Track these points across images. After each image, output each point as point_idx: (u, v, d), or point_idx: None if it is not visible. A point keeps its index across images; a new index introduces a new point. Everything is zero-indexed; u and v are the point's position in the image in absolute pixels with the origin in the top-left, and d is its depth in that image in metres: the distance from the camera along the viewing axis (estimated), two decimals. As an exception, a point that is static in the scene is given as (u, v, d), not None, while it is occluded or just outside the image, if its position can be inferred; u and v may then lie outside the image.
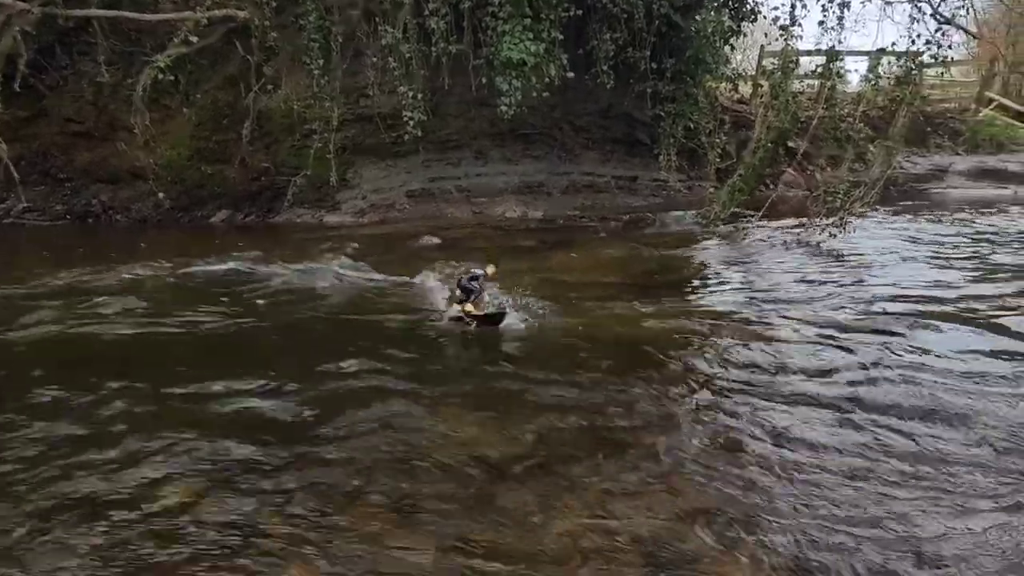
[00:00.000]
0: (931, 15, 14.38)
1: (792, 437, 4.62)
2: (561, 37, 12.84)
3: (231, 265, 9.92)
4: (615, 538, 3.57)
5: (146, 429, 4.73)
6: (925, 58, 13.17)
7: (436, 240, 12.33)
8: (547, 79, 12.82)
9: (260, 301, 8.24)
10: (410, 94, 13.26)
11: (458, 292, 6.91)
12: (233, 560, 3.40)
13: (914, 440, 4.57)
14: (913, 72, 13.04)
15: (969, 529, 3.60)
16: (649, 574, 3.31)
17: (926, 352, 6.05)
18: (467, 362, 6.22)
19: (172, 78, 13.39)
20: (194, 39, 13.22)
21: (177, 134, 14.07)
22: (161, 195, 14.13)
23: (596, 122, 15.41)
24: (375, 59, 13.54)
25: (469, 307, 6.61)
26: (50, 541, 3.52)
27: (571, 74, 13.14)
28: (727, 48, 16.28)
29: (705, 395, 5.34)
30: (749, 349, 6.27)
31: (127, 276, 9.29)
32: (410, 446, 4.53)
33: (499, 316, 6.68)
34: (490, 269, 6.94)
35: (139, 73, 13.30)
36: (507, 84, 12.69)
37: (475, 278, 6.72)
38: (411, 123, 13.31)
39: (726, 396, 5.33)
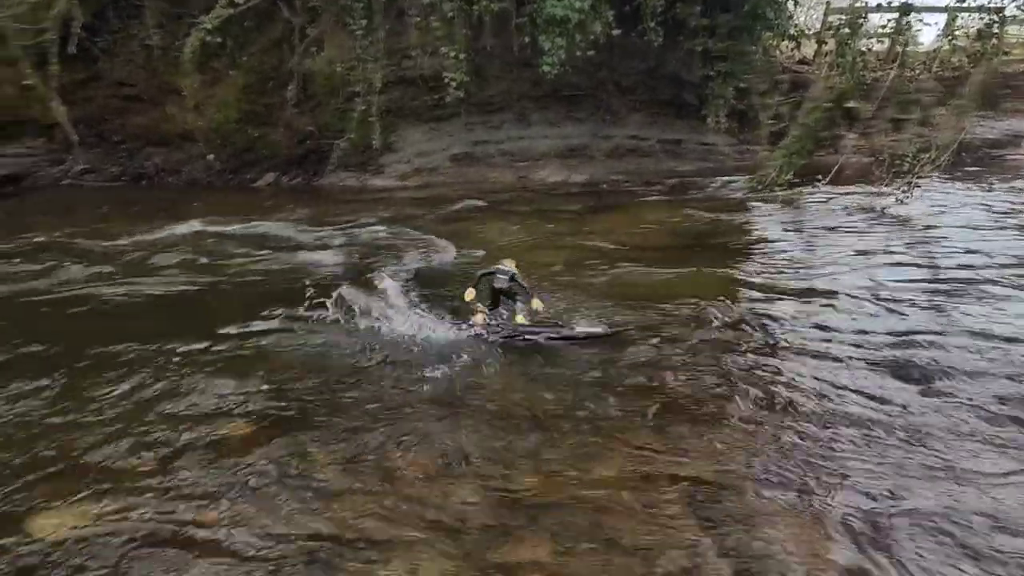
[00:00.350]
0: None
1: (840, 399, 4.44)
2: (608, -8, 12.34)
3: (276, 226, 10.12)
4: (658, 487, 3.50)
5: (195, 373, 4.91)
6: (1010, 10, 12.10)
7: (478, 203, 12.23)
8: (592, 36, 12.37)
9: (304, 258, 8.38)
10: (452, 54, 13.03)
11: (468, 295, 5.63)
12: (285, 489, 3.50)
13: (968, 403, 4.31)
14: (995, 24, 12.02)
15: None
16: (694, 521, 3.22)
17: (987, 320, 5.68)
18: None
19: (219, 41, 13.51)
20: (240, 0, 13.27)
21: (224, 97, 14.26)
22: (211, 157, 14.42)
23: (642, 82, 14.85)
24: (417, 19, 13.34)
25: (521, 318, 5.58)
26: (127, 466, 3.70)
27: (617, 31, 12.63)
28: (790, 3, 15.35)
29: (742, 358, 5.15)
30: (800, 314, 6.01)
31: (181, 233, 9.62)
32: (453, 398, 4.54)
33: (606, 335, 5.54)
34: (510, 263, 5.80)
35: (187, 36, 13.48)
36: (550, 42, 12.30)
37: (513, 277, 5.59)
38: (453, 84, 13.11)
39: (775, 358, 5.13)
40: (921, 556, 3.01)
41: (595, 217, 10.89)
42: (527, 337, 5.47)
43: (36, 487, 3.55)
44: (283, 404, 4.46)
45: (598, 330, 5.56)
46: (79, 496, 3.47)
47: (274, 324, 5.79)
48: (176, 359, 5.14)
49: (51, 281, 7.34)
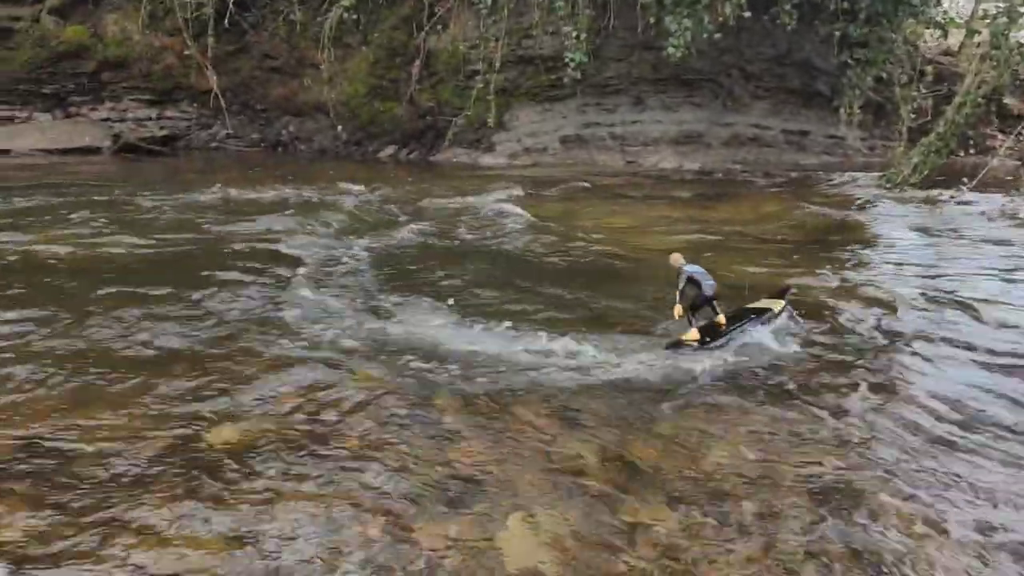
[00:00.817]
0: None
1: (972, 407, 4.25)
2: (742, -29, 11.90)
3: (399, 193, 10.77)
4: (777, 469, 3.54)
5: (320, 320, 5.39)
6: None
7: (586, 185, 12.32)
8: (721, 19, 12.01)
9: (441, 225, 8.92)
10: (574, 34, 13.12)
11: (679, 312, 4.97)
12: (409, 431, 3.83)
13: None
14: None
15: None
16: (814, 507, 3.25)
17: None
18: (637, 297, 6.24)
19: (355, 17, 14.33)
20: (377, -21, 14.00)
21: (355, 72, 15.12)
22: (339, 128, 15.40)
23: (770, 69, 14.21)
24: (542, -1, 13.51)
25: (721, 318, 5.06)
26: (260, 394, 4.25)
27: (748, 13, 12.16)
28: (938, -13, 14.15)
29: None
30: (936, 321, 5.71)
31: (323, 196, 10.48)
32: (573, 365, 4.71)
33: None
34: (680, 258, 5.22)
35: (327, 12, 14.39)
36: (677, 24, 12.07)
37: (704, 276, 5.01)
38: (571, 65, 13.22)
39: (906, 361, 4.95)
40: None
41: (710, 206, 10.67)
42: (746, 331, 5.01)
43: (209, 406, 4.06)
44: (408, 355, 4.79)
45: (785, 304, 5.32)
46: (241, 415, 3.97)
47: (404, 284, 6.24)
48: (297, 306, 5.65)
49: (205, 231, 8.23)
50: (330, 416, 4.00)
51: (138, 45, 15.08)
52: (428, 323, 5.40)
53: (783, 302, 5.30)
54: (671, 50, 12.14)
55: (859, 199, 11.07)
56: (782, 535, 3.10)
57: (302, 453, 3.60)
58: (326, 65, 14.47)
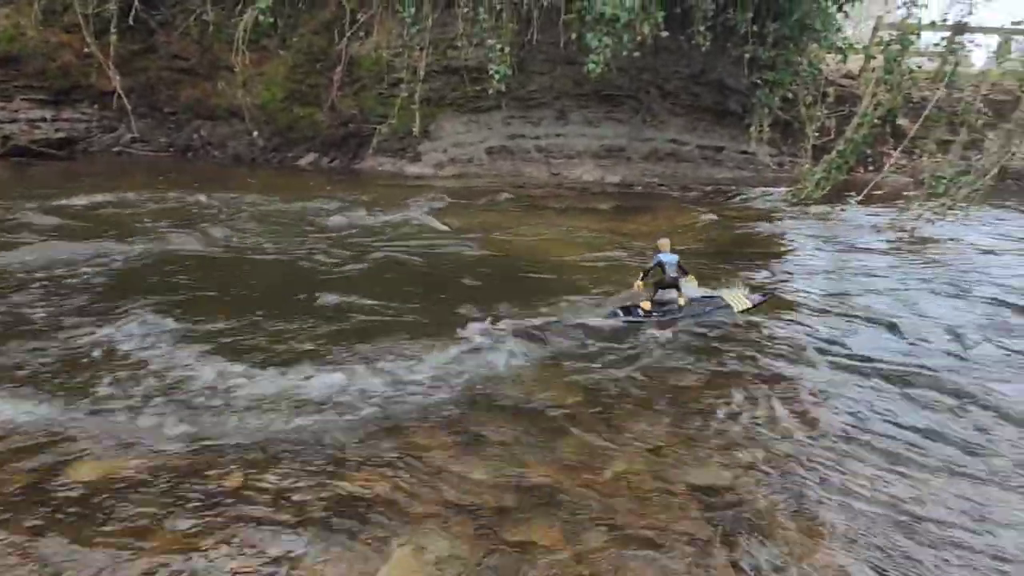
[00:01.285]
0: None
1: (860, 416, 4.46)
2: (659, -7, 12.30)
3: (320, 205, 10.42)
4: (671, 484, 3.57)
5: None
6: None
7: (511, 197, 12.34)
8: (639, 37, 12.36)
9: (350, 240, 8.61)
10: (497, 47, 13.17)
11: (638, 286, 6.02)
12: (309, 469, 3.59)
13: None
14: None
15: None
16: (706, 523, 3.29)
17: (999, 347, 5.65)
18: (547, 310, 6.20)
19: (271, 20, 13.83)
20: (294, -19, 13.56)
21: (272, 76, 14.58)
22: (255, 134, 14.76)
23: (686, 87, 14.77)
24: (466, 10, 13.48)
25: (682, 300, 5.95)
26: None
27: (665, 33, 12.60)
28: (840, 15, 15.12)
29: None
30: (818, 329, 6.03)
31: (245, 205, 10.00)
32: (474, 385, 4.63)
33: (763, 302, 6.23)
34: (667, 243, 6.04)
35: (242, 13, 13.81)
36: (597, 40, 12.33)
37: (679, 264, 5.93)
38: (496, 77, 13.25)
39: (780, 368, 5.17)
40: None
41: (628, 218, 10.91)
42: (700, 313, 5.91)
43: (73, 439, 3.72)
44: (289, 383, 4.51)
45: (757, 297, 6.21)
46: (109, 449, 3.65)
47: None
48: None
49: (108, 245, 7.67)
50: (205, 445, 3.73)
51: (32, 41, 13.95)
52: (302, 349, 5.17)
53: (750, 305, 6.07)
54: (591, 66, 12.38)
55: (766, 213, 11.62)
56: (675, 553, 3.12)
57: (169, 490, 3.33)
58: (240, 68, 13.86)
